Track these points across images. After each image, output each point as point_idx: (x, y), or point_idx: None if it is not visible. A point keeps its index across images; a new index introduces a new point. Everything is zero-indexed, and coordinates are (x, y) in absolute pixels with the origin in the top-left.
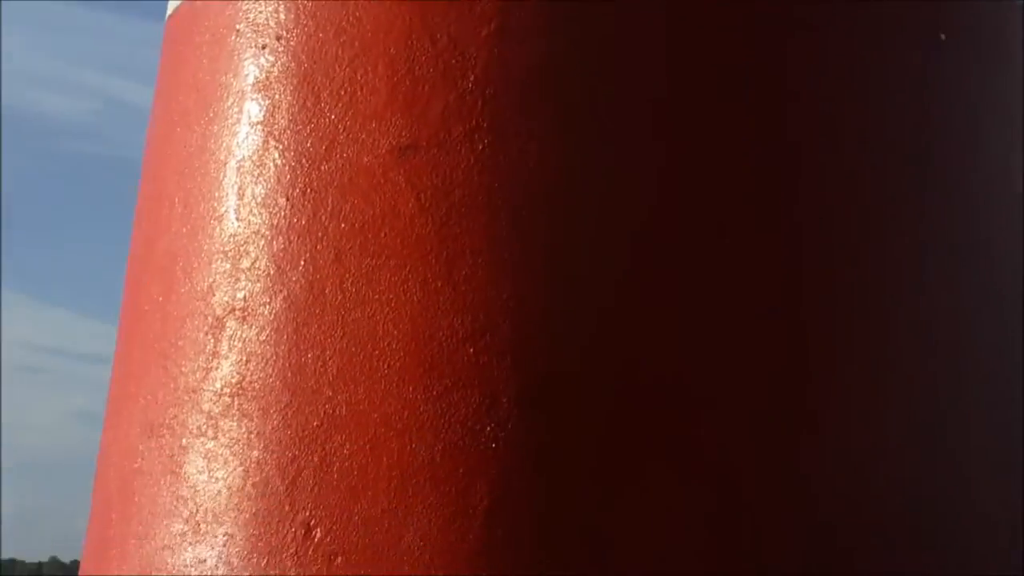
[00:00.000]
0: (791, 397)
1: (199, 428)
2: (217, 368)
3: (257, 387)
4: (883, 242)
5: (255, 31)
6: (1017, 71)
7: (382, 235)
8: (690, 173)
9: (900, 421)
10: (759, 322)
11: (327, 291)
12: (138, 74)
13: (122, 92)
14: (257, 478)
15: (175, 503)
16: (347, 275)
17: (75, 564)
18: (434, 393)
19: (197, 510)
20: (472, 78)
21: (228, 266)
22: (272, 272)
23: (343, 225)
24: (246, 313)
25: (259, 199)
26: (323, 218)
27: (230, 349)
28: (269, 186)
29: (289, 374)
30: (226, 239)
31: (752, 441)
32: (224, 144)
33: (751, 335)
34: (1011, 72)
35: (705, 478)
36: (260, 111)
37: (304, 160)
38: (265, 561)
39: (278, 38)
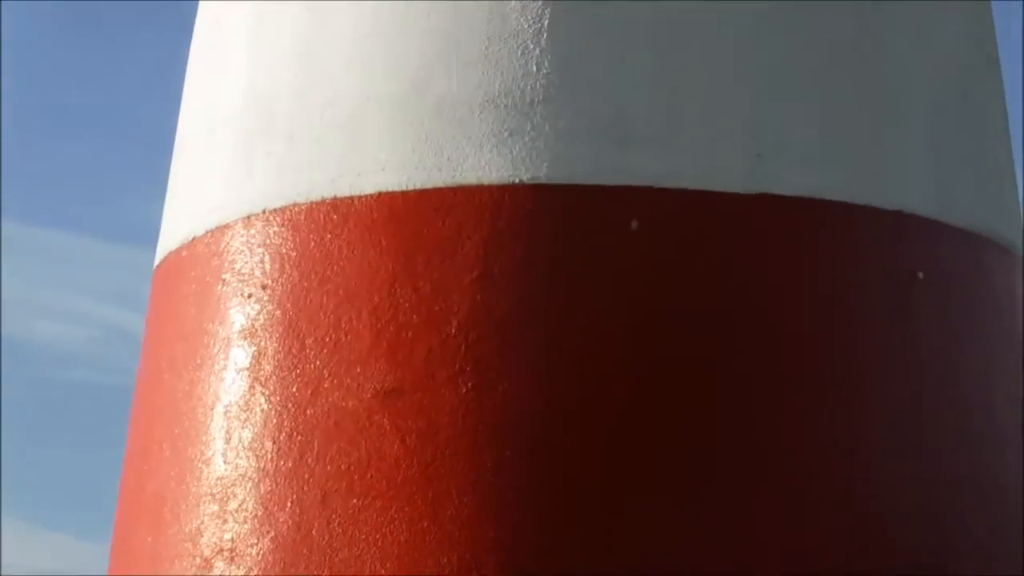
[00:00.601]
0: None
1: None
2: None
3: None
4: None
5: (241, 280)
6: (1015, 315)
7: (368, 477)
8: (665, 398)
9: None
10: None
11: (314, 532)
12: (131, 301)
13: (117, 320)
14: None
15: None
16: (334, 516)
17: None
18: None
19: None
20: (455, 323)
21: (216, 508)
22: (259, 514)
23: (329, 467)
24: (234, 554)
25: (246, 443)
26: (309, 461)
27: None
28: (256, 430)
29: None
30: (213, 482)
31: None
32: (211, 389)
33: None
34: (1000, 315)
35: None
36: (246, 357)
37: (290, 404)
38: None
39: (263, 287)
